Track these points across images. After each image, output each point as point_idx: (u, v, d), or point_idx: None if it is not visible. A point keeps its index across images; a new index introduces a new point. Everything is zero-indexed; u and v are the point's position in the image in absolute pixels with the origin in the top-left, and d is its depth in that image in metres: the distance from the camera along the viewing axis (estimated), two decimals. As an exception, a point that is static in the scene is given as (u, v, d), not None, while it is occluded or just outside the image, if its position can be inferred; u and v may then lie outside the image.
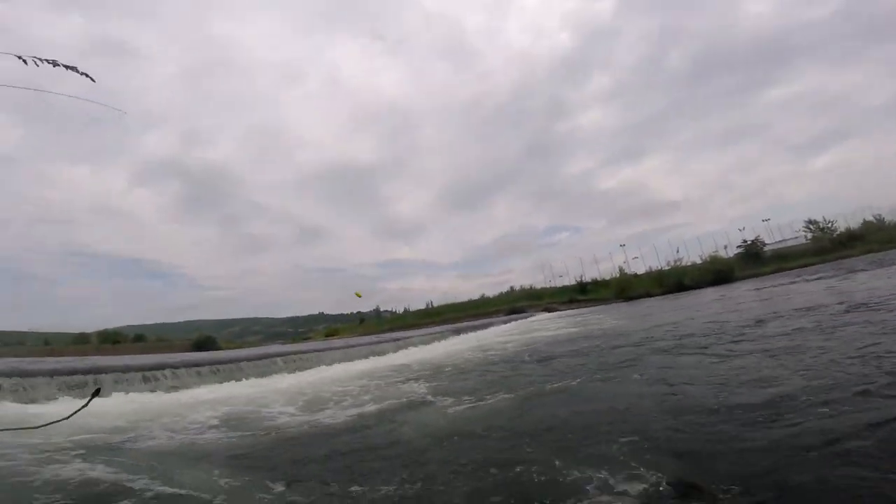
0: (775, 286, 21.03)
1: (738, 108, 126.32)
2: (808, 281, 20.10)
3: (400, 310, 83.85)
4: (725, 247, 55.39)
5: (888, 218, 48.36)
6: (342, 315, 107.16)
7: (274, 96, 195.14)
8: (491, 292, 73.98)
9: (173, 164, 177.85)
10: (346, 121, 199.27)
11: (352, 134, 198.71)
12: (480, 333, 22.22)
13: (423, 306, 76.63)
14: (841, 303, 9.30)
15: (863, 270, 19.35)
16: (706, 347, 6.78)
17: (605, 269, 62.86)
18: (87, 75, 2.38)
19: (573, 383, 5.65)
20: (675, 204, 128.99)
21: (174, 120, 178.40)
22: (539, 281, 69.90)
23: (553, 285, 64.76)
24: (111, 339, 46.19)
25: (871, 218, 49.30)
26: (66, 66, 2.27)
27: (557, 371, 6.90)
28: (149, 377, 8.50)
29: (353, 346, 15.65)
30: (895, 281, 12.29)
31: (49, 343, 39.88)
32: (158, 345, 45.80)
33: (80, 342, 42.45)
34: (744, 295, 19.29)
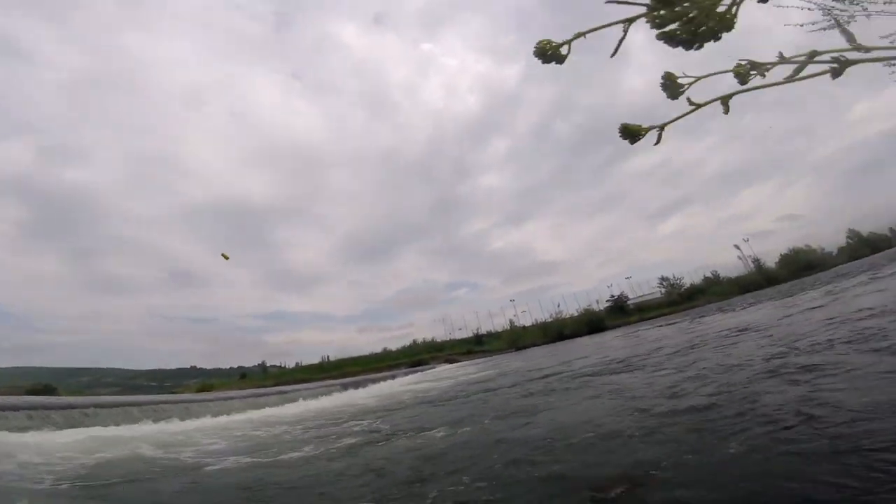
0: (637, 332, 25.08)
1: (606, 178, 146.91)
2: (662, 326, 24.42)
3: (290, 364, 78.75)
4: (597, 301, 63.14)
5: (722, 274, 59.49)
6: (219, 370, 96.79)
7: (166, 121, 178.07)
8: (393, 346, 73.54)
9: (17, 181, 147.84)
10: (245, 156, 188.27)
11: (249, 171, 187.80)
12: (384, 384, 22.42)
13: (316, 360, 73.07)
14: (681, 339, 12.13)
15: (703, 316, 23.99)
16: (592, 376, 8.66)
17: (498, 323, 67.27)
18: None
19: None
20: (556, 264, 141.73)
21: (39, 132, 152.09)
22: (440, 334, 71.78)
23: (453, 338, 67.16)
24: None
25: (709, 275, 60.30)
26: None
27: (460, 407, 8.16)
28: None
29: (227, 399, 14.62)
30: (727, 321, 15.23)
31: None
32: None
33: None
34: (611, 342, 22.71)
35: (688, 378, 5.72)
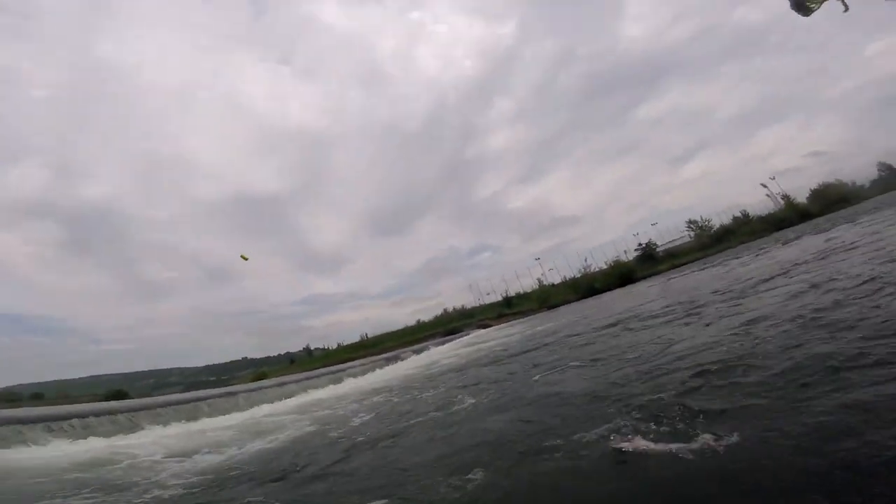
0: (671, 279, 24.78)
1: (621, 125, 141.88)
2: (699, 271, 24.01)
3: (332, 345, 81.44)
4: (625, 252, 62.07)
5: (752, 213, 57.55)
6: (269, 358, 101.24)
7: (165, 124, 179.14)
8: (426, 316, 74.80)
9: (46, 203, 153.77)
10: (251, 148, 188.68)
11: (258, 162, 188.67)
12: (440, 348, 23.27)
13: (356, 338, 75.29)
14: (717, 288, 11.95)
15: (736, 258, 23.37)
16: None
17: (526, 284, 67.18)
18: None
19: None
20: (577, 217, 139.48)
21: (44, 153, 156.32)
22: (470, 301, 72.45)
23: (483, 303, 67.78)
24: (5, 399, 40.52)
25: (738, 214, 58.37)
26: None
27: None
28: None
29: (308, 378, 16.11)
30: (763, 262, 15.24)
31: None
32: (65, 402, 40.80)
33: None
34: (645, 291, 22.59)
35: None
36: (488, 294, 68.88)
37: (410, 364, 19.56)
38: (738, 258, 22.95)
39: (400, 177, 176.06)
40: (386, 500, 3.15)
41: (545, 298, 53.85)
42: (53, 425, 8.54)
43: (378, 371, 19.16)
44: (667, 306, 10.87)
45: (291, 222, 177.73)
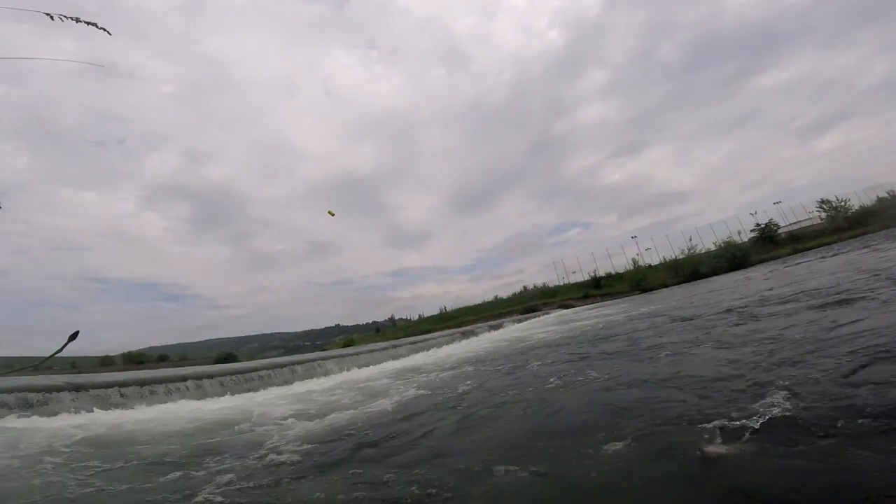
0: (787, 266, 20.83)
1: (735, 96, 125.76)
2: (830, 256, 19.88)
3: (414, 317, 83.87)
4: (739, 232, 54.62)
5: (902, 194, 47.53)
6: (357, 326, 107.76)
7: (272, 111, 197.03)
8: (503, 293, 73.86)
9: (178, 185, 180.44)
10: (346, 131, 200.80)
11: (353, 144, 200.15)
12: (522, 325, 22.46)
13: (435, 311, 76.63)
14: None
15: (878, 244, 19.08)
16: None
17: (618, 263, 62.35)
18: (105, 30, 2.63)
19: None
20: (684, 194, 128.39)
21: (175, 140, 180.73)
22: (552, 279, 69.61)
23: (567, 282, 64.60)
24: (135, 360, 46.82)
25: (884, 194, 48.52)
26: (88, 23, 2.53)
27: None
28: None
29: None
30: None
31: (75, 366, 40.14)
32: (184, 364, 46.17)
33: (105, 364, 42.99)
34: (760, 277, 19.14)
35: None
36: (574, 273, 65.50)
37: (490, 338, 18.76)
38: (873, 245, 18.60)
39: (485, 153, 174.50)
40: (529, 464, 2.71)
41: (640, 280, 49.34)
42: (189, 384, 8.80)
43: (462, 342, 18.90)
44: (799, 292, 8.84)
45: (383, 200, 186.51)
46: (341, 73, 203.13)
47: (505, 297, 70.04)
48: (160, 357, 52.74)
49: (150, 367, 41.19)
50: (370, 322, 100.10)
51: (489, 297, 72.84)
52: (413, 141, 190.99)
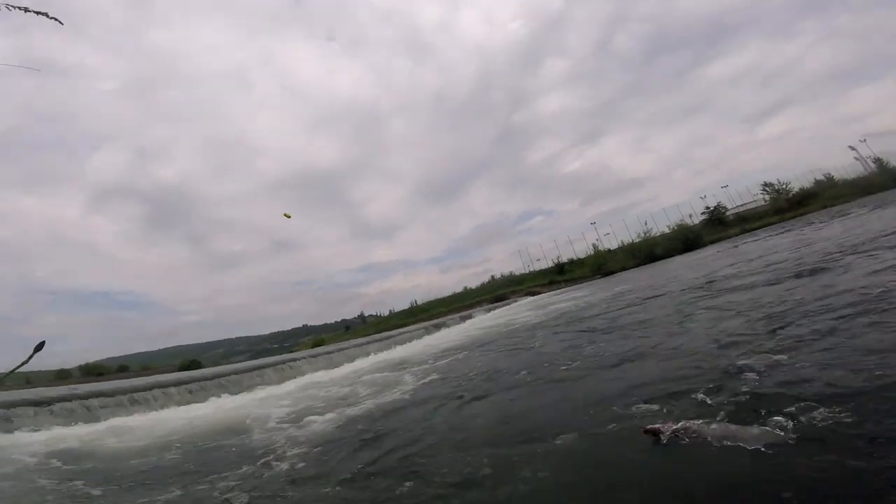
0: (736, 246, 22.30)
1: (687, 86, 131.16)
2: (774, 235, 21.42)
3: (384, 313, 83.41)
4: (690, 215, 57.20)
5: (837, 176, 51.26)
6: (326, 325, 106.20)
7: (225, 106, 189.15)
8: (472, 283, 74.75)
9: (126, 186, 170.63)
10: (305, 124, 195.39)
11: (313, 137, 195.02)
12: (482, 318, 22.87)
13: (406, 306, 76.58)
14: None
15: (821, 222, 20.74)
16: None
17: (579, 249, 64.08)
18: (56, 20, 2.51)
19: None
20: (640, 180, 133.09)
21: (120, 139, 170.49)
22: (518, 267, 70.89)
23: (533, 269, 65.97)
24: (94, 372, 44.46)
25: (821, 177, 52.18)
26: (37, 13, 2.42)
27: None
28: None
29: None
30: (848, 225, 13.38)
31: (30, 382, 37.50)
32: (146, 374, 44.08)
33: (62, 378, 40.67)
34: (712, 256, 20.37)
35: None
36: (538, 260, 67.00)
37: (460, 331, 19.17)
38: (816, 222, 20.17)
39: (450, 144, 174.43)
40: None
41: (600, 265, 51.06)
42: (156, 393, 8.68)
43: (434, 335, 19.40)
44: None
45: (347, 194, 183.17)
46: (299, 66, 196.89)
47: (474, 288, 70.82)
48: (120, 368, 50.40)
49: (110, 379, 39.28)
50: (339, 320, 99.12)
51: (459, 289, 73.47)
52: (377, 133, 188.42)
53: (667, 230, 53.83)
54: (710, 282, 9.54)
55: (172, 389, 8.78)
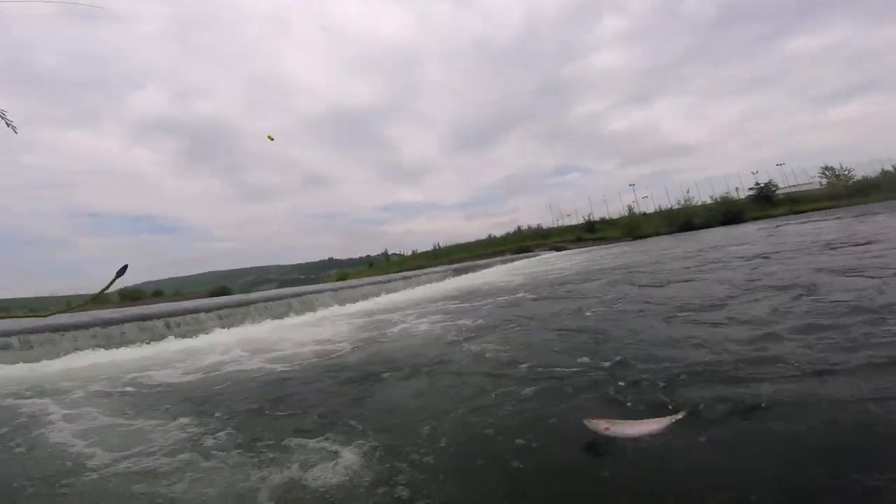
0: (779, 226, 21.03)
1: (761, 56, 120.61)
2: (820, 220, 20.13)
3: (407, 252, 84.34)
4: (737, 189, 54.49)
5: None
6: (351, 259, 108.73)
7: (266, 45, 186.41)
8: (497, 232, 74.38)
9: (168, 120, 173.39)
10: (344, 64, 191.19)
11: (352, 77, 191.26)
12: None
13: (428, 248, 77.31)
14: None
15: (879, 213, 19.16)
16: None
17: (613, 210, 62.41)
18: None
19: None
20: (688, 147, 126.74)
21: (163, 78, 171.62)
22: (547, 220, 69.80)
23: (561, 224, 64.94)
24: (131, 297, 46.15)
25: (889, 168, 48.25)
26: None
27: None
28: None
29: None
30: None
31: (70, 305, 38.53)
32: (179, 299, 45.22)
33: (99, 302, 42.09)
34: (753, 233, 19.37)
35: None
36: (568, 215, 65.80)
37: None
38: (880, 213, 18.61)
39: (487, 93, 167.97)
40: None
41: (633, 227, 49.68)
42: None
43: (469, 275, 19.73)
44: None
45: (380, 134, 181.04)
46: (339, 8, 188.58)
47: (499, 236, 70.59)
48: (155, 293, 52.70)
49: (145, 304, 40.64)
50: (364, 256, 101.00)
51: (482, 236, 73.39)
52: (413, 77, 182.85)
53: (709, 200, 51.63)
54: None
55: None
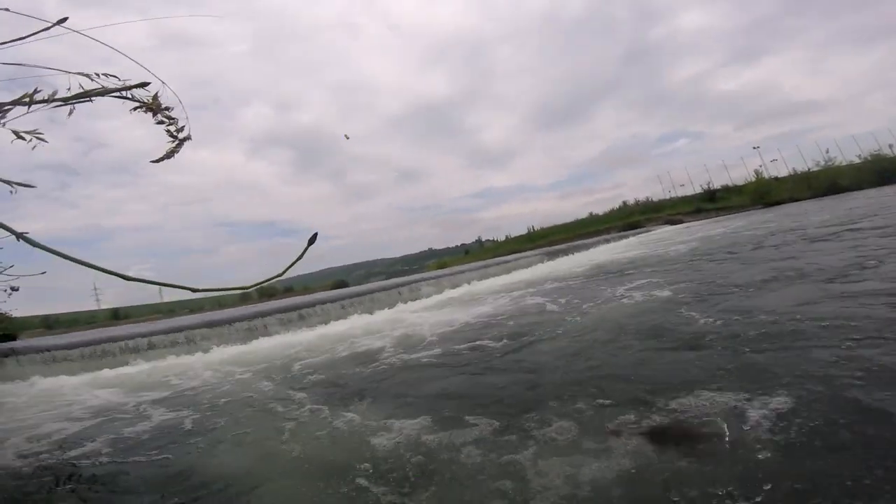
0: None
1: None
2: None
3: (501, 237, 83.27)
4: (891, 146, 46.21)
5: None
6: (448, 248, 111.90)
7: (342, 52, 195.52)
8: (599, 209, 71.08)
9: (275, 133, 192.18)
10: (415, 60, 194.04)
11: (424, 71, 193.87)
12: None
13: (523, 231, 75.55)
14: None
15: None
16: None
17: (736, 176, 56.30)
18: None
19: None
20: (818, 103, 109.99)
21: (264, 93, 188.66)
22: (656, 193, 65.35)
23: (673, 196, 60.27)
24: (267, 294, 51.23)
25: None
26: None
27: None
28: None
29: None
30: None
31: (221, 303, 44.75)
32: (309, 293, 48.07)
33: (244, 299, 46.68)
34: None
35: None
36: (682, 186, 60.80)
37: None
38: None
39: (565, 67, 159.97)
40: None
41: (763, 193, 44.59)
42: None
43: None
44: None
45: (462, 122, 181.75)
46: (399, 4, 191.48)
47: (601, 214, 67.56)
48: (286, 289, 58.84)
49: (278, 298, 44.54)
50: (459, 245, 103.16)
51: (582, 214, 70.73)
52: (484, 62, 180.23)
53: (856, 160, 44.83)
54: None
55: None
